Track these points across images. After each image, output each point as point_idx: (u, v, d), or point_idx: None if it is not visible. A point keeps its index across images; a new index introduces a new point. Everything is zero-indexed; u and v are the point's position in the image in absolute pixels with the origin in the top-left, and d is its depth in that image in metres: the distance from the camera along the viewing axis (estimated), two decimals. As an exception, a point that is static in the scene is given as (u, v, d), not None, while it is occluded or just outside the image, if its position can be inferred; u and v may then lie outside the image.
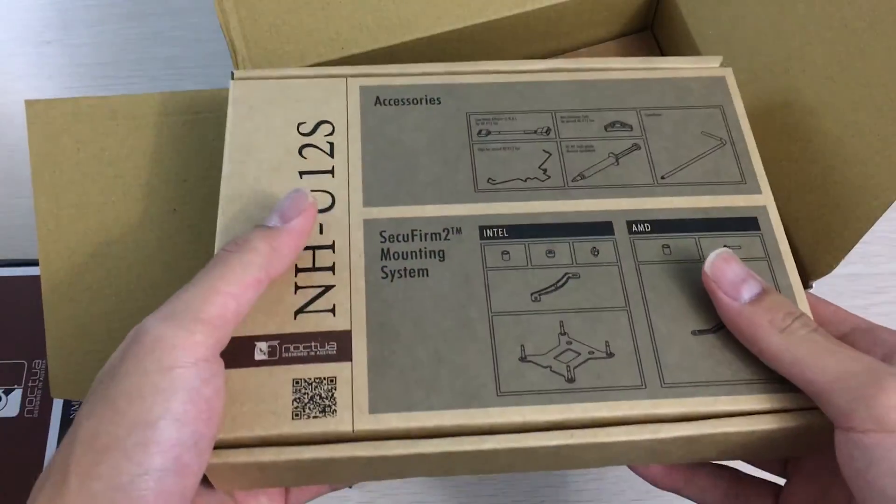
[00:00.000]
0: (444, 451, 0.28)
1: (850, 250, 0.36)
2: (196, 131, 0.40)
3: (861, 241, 0.36)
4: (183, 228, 0.39)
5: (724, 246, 0.32)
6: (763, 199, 0.34)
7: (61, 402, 0.47)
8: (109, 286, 0.38)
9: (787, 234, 0.41)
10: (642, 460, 0.31)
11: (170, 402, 0.25)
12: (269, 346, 0.29)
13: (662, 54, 0.52)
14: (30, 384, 0.48)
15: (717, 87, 0.37)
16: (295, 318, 0.30)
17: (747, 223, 0.33)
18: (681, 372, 0.30)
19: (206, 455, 0.26)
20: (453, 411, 0.28)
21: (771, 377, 0.30)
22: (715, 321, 0.31)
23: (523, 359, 0.30)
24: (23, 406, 0.47)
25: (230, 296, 0.27)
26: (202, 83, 0.59)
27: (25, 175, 0.56)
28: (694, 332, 0.31)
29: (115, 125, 0.40)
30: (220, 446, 0.28)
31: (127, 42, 0.61)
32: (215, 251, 0.31)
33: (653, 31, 0.53)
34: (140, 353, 0.25)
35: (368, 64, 0.43)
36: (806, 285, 0.39)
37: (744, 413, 0.29)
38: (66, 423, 0.47)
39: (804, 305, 0.32)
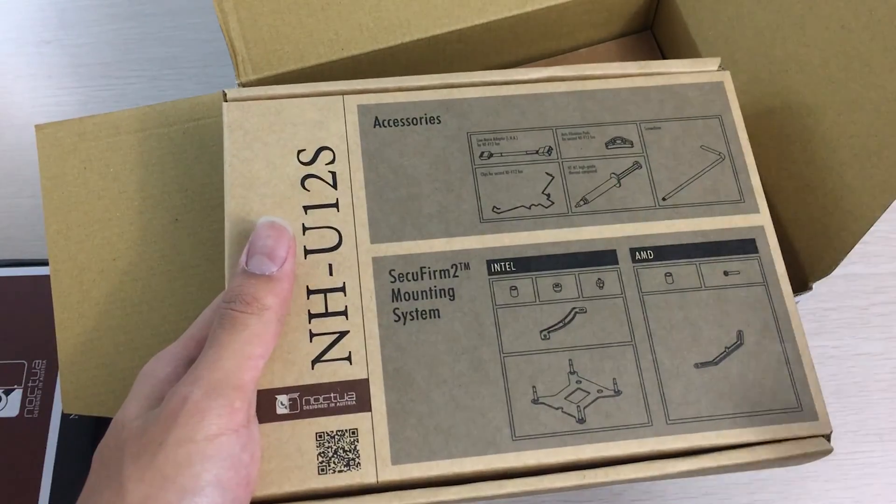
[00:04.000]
0: (465, 497, 0.29)
1: (849, 251, 0.36)
2: (196, 138, 0.41)
3: (861, 241, 0.36)
4: (184, 237, 0.39)
5: (724, 273, 0.33)
6: (761, 219, 0.35)
7: (61, 402, 0.47)
8: (116, 301, 0.39)
9: (787, 236, 0.41)
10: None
11: (215, 469, 0.26)
12: (289, 400, 0.30)
13: (662, 55, 0.52)
14: (30, 384, 0.48)
15: (716, 94, 0.37)
16: (313, 368, 0.30)
17: (746, 246, 0.34)
18: (685, 407, 0.31)
19: None
20: (472, 458, 0.29)
21: (771, 408, 0.31)
22: (716, 353, 0.32)
23: (535, 401, 0.30)
24: (23, 406, 0.47)
25: (261, 359, 0.29)
26: (202, 83, 0.59)
27: (25, 175, 0.56)
28: (696, 365, 0.32)
29: (119, 140, 0.40)
30: None
31: (127, 42, 0.61)
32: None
33: (653, 32, 0.53)
34: (189, 423, 0.27)
35: (368, 63, 0.43)
36: (806, 286, 0.39)
37: (746, 445, 0.31)
38: (66, 423, 0.47)
39: (799, 332, 0.33)
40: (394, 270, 0.32)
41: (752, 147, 0.36)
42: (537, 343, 0.31)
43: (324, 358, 0.30)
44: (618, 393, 0.31)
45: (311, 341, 0.31)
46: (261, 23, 0.43)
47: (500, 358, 0.31)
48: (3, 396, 0.48)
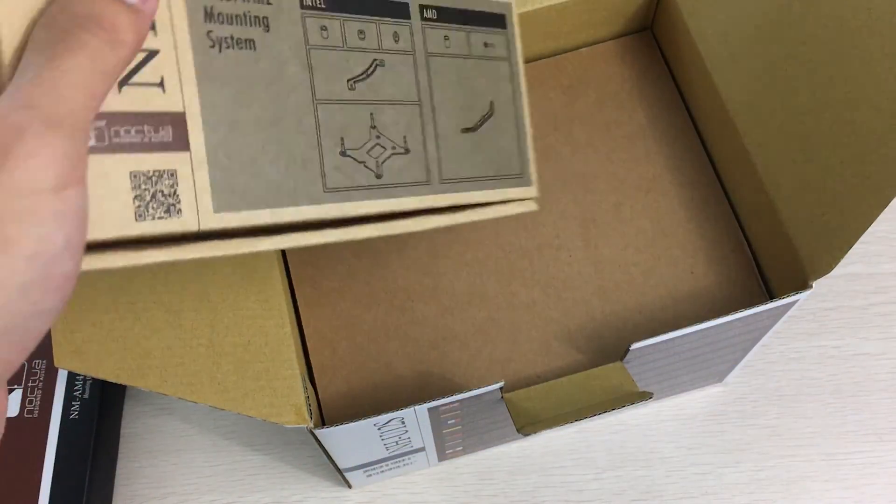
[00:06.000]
0: (282, 246, 0.30)
1: (849, 250, 0.36)
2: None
3: (860, 240, 0.36)
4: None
5: (484, 44, 0.37)
6: None
7: (61, 402, 0.47)
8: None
9: (786, 235, 0.41)
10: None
11: (69, 230, 0.21)
12: (96, 131, 0.25)
13: (662, 54, 0.52)
14: (30, 384, 0.48)
15: None
16: (120, 91, 0.25)
17: (498, 20, 0.37)
18: (455, 168, 0.35)
19: (77, 258, 0.22)
20: (289, 209, 0.29)
21: (507, 174, 0.37)
22: (476, 120, 0.36)
23: (343, 153, 0.31)
24: (23, 406, 0.47)
25: (105, 94, 0.23)
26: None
27: (25, 175, 0.56)
28: (463, 130, 0.35)
29: None
30: None
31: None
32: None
33: (653, 31, 0.53)
34: (27, 167, 0.20)
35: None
36: (806, 285, 0.39)
37: (483, 204, 0.36)
38: (67, 423, 0.47)
39: (526, 110, 0.38)
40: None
41: (750, 144, 0.36)
42: (345, 92, 0.32)
43: (132, 81, 0.26)
44: (407, 151, 0.33)
45: None
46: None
47: (314, 104, 0.31)
48: (3, 396, 0.48)
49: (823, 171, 0.38)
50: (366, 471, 0.45)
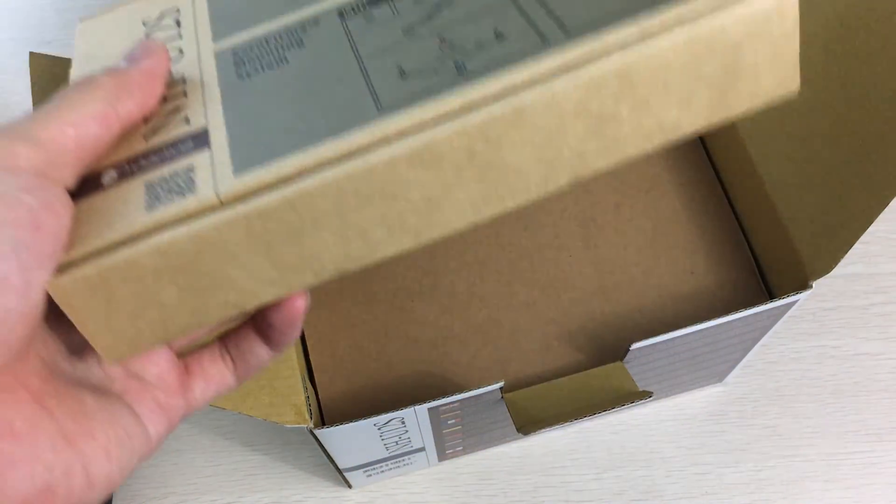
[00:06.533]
0: (326, 182, 0.23)
1: (848, 250, 0.36)
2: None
3: (860, 241, 0.36)
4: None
5: None
6: None
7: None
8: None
9: (786, 234, 0.41)
10: (592, 153, 0.25)
11: None
12: (117, 170, 0.25)
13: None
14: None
15: None
16: (147, 141, 0.26)
17: None
18: (585, 13, 0.24)
19: (32, 272, 0.22)
20: (330, 142, 0.23)
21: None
22: None
23: (402, 75, 0.25)
24: (23, 406, 0.47)
25: (69, 123, 0.23)
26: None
27: (25, 175, 0.56)
28: None
29: None
30: (64, 268, 0.23)
31: (127, 42, 0.61)
32: None
33: (652, 31, 0.53)
34: None
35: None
36: (806, 285, 0.39)
37: (668, 24, 0.24)
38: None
39: None
40: (238, 51, 0.28)
41: (750, 144, 0.36)
42: (399, 38, 0.26)
43: (160, 131, 0.26)
44: (499, 36, 0.25)
45: (146, 123, 0.27)
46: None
47: (358, 60, 0.26)
48: (3, 396, 0.48)
49: (823, 171, 0.38)
50: (366, 471, 0.45)
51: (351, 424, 0.37)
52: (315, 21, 0.28)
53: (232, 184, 0.23)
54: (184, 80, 0.28)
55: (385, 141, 0.23)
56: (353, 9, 0.28)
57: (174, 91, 0.28)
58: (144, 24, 0.31)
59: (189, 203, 0.23)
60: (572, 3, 0.25)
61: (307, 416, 0.36)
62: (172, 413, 0.28)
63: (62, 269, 0.23)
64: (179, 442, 0.50)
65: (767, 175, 0.42)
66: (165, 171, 0.24)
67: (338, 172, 0.23)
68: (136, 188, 0.24)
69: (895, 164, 0.34)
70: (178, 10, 0.32)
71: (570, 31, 0.24)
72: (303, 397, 0.37)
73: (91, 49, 0.30)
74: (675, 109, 0.25)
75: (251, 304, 0.26)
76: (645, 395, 0.39)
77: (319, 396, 0.43)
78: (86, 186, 0.25)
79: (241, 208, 0.23)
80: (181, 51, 0.29)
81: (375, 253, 0.25)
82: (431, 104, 0.23)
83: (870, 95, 0.35)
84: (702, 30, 0.24)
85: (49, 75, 0.38)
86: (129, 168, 0.25)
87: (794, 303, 0.39)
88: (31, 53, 0.38)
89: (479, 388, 0.37)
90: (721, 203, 0.47)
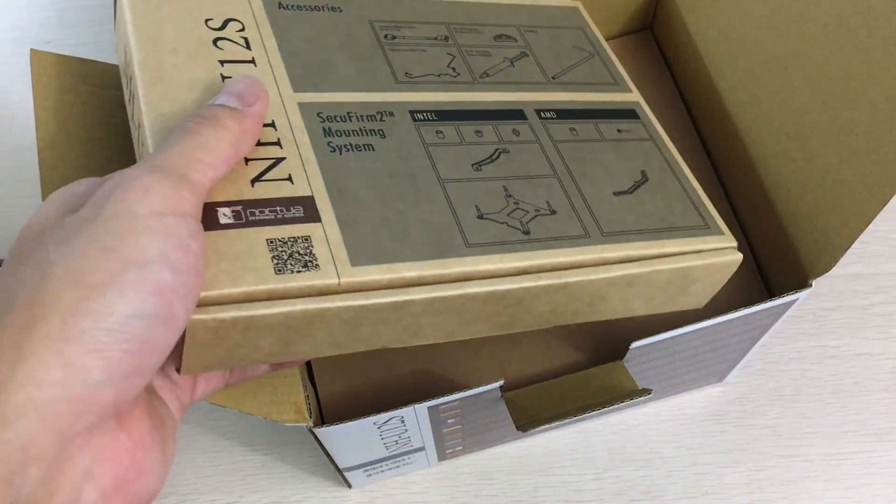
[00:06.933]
0: (428, 297, 0.29)
1: (848, 249, 0.36)
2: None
3: (860, 240, 0.36)
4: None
5: (618, 130, 0.38)
6: (635, 97, 0.40)
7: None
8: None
9: (786, 233, 0.41)
10: (582, 314, 0.34)
11: (161, 244, 0.23)
12: (232, 211, 0.28)
13: (662, 54, 0.52)
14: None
15: (574, 15, 0.43)
16: (253, 186, 0.29)
17: (629, 114, 0.39)
18: (615, 223, 0.34)
19: (190, 313, 0.24)
20: (431, 261, 0.30)
21: (686, 226, 0.35)
22: (629, 185, 0.36)
23: (481, 217, 0.32)
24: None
25: (209, 166, 0.26)
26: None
27: (26, 176, 0.56)
28: (615, 194, 0.35)
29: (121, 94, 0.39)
30: (203, 304, 0.26)
31: (127, 42, 0.61)
32: (147, 131, 0.29)
33: (653, 31, 0.53)
34: (129, 198, 0.23)
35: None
36: (805, 284, 0.39)
37: (672, 254, 0.34)
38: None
39: (690, 175, 0.37)
40: (321, 113, 0.32)
41: (750, 144, 0.36)
42: (471, 173, 0.33)
43: (263, 178, 0.29)
44: (553, 212, 0.33)
45: (246, 164, 0.29)
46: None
47: (440, 182, 0.32)
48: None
49: (823, 171, 0.38)
50: (366, 470, 0.45)
51: (351, 423, 0.37)
52: (391, 112, 0.34)
53: (350, 272, 0.28)
54: (274, 125, 0.31)
55: (471, 276, 0.30)
56: (423, 116, 0.34)
57: (266, 131, 0.31)
58: (207, 23, 0.34)
59: (315, 281, 0.28)
60: (611, 214, 0.34)
61: (307, 415, 0.36)
62: (182, 409, 0.30)
63: (200, 306, 0.26)
64: (179, 442, 0.50)
65: (767, 175, 0.42)
66: (283, 232, 0.28)
67: (434, 292, 0.29)
68: (258, 242, 0.28)
69: (894, 163, 0.34)
70: (241, 25, 0.34)
71: (607, 234, 0.33)
72: (303, 396, 0.37)
73: (151, 30, 0.33)
74: (638, 302, 0.35)
75: (313, 356, 0.30)
76: (644, 392, 0.39)
77: (319, 395, 0.43)
78: (203, 221, 0.27)
79: (358, 297, 0.28)
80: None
81: (416, 341, 0.31)
82: (508, 257, 0.31)
83: (870, 95, 0.35)
84: (688, 264, 0.34)
85: (50, 73, 0.38)
86: (243, 213, 0.28)
87: (793, 301, 0.39)
88: (33, 51, 0.38)
89: (478, 386, 0.37)
90: (721, 203, 0.47)
